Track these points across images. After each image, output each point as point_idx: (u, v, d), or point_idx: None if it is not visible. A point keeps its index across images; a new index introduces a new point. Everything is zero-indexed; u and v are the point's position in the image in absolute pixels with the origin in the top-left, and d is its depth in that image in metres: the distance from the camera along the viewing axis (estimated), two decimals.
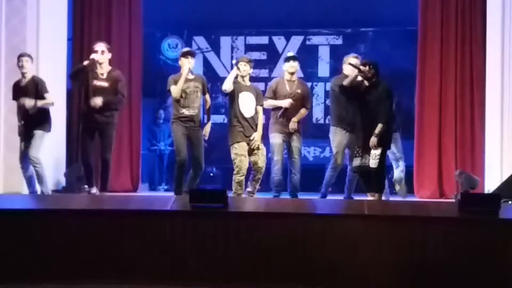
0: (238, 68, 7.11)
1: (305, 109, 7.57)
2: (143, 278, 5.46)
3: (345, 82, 6.90)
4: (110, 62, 7.31)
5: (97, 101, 6.95)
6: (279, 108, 7.41)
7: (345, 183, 7.54)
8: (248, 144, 7.08)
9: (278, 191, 7.35)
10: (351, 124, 7.15)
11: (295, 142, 7.45)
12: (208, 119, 7.41)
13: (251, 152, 7.11)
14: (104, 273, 5.49)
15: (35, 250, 5.54)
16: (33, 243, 5.56)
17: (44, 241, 5.57)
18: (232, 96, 7.12)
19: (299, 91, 7.51)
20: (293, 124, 7.40)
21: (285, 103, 7.40)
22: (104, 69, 7.15)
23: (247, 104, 7.15)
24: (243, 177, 7.00)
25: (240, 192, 7.00)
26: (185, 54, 7.23)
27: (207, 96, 7.39)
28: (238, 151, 7.01)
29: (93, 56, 7.09)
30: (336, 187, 8.06)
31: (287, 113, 7.42)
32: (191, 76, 7.23)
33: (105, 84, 7.11)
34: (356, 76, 6.83)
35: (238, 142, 7.05)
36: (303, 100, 7.55)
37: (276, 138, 7.40)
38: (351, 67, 7.11)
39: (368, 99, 6.73)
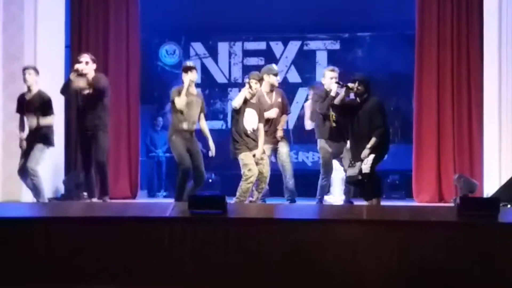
0: (250, 87, 7.14)
1: (285, 115, 7.77)
2: (142, 285, 5.45)
3: (336, 101, 6.98)
4: (100, 71, 7.50)
5: (80, 83, 7.13)
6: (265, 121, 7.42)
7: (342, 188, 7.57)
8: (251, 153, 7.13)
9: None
10: (337, 135, 7.29)
11: (284, 148, 7.57)
12: (209, 137, 7.44)
13: (256, 162, 7.13)
14: (103, 280, 5.47)
15: (34, 257, 5.53)
16: (32, 250, 5.55)
17: (43, 248, 5.55)
18: (238, 112, 7.15)
19: (279, 100, 7.64)
20: (280, 132, 7.59)
21: (273, 113, 7.51)
22: (89, 78, 7.25)
23: (250, 120, 7.18)
24: (251, 185, 7.02)
25: (243, 199, 6.99)
26: (185, 70, 7.27)
27: (203, 120, 7.44)
28: (246, 161, 7.02)
29: (76, 65, 7.21)
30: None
31: (273, 123, 7.53)
32: (194, 92, 7.29)
33: (89, 90, 7.23)
34: (345, 95, 6.89)
35: (243, 152, 7.07)
36: (284, 107, 7.71)
37: (266, 150, 7.43)
38: (332, 81, 7.23)
39: (361, 114, 6.78)
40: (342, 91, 6.95)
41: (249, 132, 7.13)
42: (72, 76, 7.16)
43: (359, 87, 6.79)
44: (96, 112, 7.19)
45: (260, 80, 7.23)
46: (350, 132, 6.95)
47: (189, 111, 7.20)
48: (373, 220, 5.52)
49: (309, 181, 10.10)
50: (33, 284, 5.46)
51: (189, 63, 7.49)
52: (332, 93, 7.18)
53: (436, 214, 5.85)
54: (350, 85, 6.82)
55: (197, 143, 7.34)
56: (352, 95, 7.01)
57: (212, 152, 7.39)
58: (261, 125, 7.26)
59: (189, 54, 11.07)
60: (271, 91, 7.60)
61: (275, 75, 7.58)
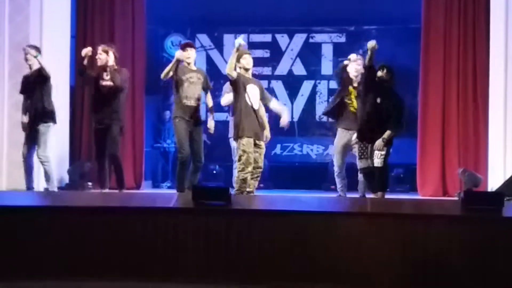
0: (238, 60, 6.89)
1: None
2: (146, 275, 5.47)
3: (365, 61, 6.88)
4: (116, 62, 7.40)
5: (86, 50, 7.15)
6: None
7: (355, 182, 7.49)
8: (254, 140, 6.86)
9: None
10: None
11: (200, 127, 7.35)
12: (212, 116, 7.36)
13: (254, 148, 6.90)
14: (107, 270, 5.49)
15: (38, 247, 5.54)
16: (36, 239, 5.56)
17: (47, 237, 5.57)
18: (239, 87, 6.86)
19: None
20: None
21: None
22: (107, 69, 7.23)
23: (254, 96, 6.92)
24: (248, 174, 6.75)
25: (243, 190, 6.76)
26: (183, 47, 7.25)
27: (209, 95, 7.35)
28: (246, 148, 6.73)
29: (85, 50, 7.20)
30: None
31: None
32: (193, 68, 7.22)
33: (109, 83, 7.21)
34: (372, 54, 6.71)
35: (247, 137, 6.77)
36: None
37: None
38: (354, 66, 7.14)
39: (380, 102, 6.70)
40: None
41: (255, 108, 6.87)
42: (85, 61, 7.16)
43: (388, 73, 6.75)
44: (114, 105, 7.20)
45: (249, 54, 7.05)
46: (366, 114, 6.76)
47: (189, 88, 7.07)
48: (378, 213, 5.52)
49: (313, 174, 10.17)
50: (36, 274, 5.48)
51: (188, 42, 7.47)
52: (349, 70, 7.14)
53: (440, 207, 5.85)
54: (379, 73, 6.76)
55: (201, 129, 7.21)
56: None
57: (211, 129, 7.25)
58: (261, 103, 7.05)
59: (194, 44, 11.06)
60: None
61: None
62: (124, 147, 8.96)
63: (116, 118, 7.20)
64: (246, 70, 6.97)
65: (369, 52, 6.75)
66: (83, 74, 7.35)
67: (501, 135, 8.11)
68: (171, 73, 7.04)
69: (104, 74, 7.21)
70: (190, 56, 7.16)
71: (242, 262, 5.46)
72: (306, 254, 5.41)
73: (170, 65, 7.07)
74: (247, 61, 6.96)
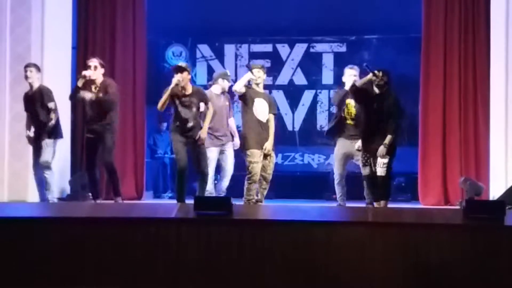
0: (252, 73, 7.11)
1: (232, 118, 7.92)
2: (147, 286, 5.45)
3: (358, 83, 6.90)
4: (106, 73, 7.39)
5: (86, 94, 7.07)
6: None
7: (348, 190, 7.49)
8: (261, 151, 7.07)
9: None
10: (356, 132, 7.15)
11: (231, 150, 7.68)
12: (205, 124, 7.17)
13: (263, 158, 7.10)
14: (107, 281, 5.48)
15: (39, 257, 5.54)
16: (37, 250, 5.56)
17: (48, 248, 5.57)
18: (247, 101, 7.11)
19: (227, 103, 7.75)
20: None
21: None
22: (97, 83, 7.18)
23: (262, 110, 7.13)
24: (254, 184, 7.01)
25: (251, 198, 7.00)
26: (174, 70, 7.12)
27: (209, 105, 7.25)
28: (252, 158, 7.00)
29: (84, 72, 7.15)
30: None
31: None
32: (189, 91, 7.08)
33: (96, 97, 7.14)
34: (369, 79, 6.80)
35: (252, 149, 7.03)
36: (230, 111, 7.87)
37: (213, 152, 7.48)
38: (351, 78, 7.14)
39: (378, 108, 6.71)
40: (367, 77, 6.84)
41: (263, 121, 7.08)
42: (80, 82, 7.10)
43: (383, 78, 6.76)
44: (105, 119, 7.12)
45: (262, 68, 7.25)
46: (365, 123, 6.82)
47: (184, 110, 7.02)
48: (380, 222, 5.51)
49: (315, 183, 10.15)
50: (36, 284, 5.47)
51: (181, 63, 7.30)
52: (346, 87, 7.12)
53: (442, 216, 5.84)
54: (377, 72, 6.77)
55: (203, 149, 7.12)
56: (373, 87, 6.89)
57: (202, 137, 7.08)
58: (272, 116, 7.22)
59: (195, 56, 11.08)
60: (222, 93, 7.71)
61: (228, 81, 7.77)
62: (125, 158, 8.97)
63: (109, 128, 7.14)
64: (257, 84, 7.18)
65: (368, 77, 6.79)
66: (76, 95, 7.25)
67: (503, 143, 8.10)
68: (167, 102, 6.99)
69: (93, 87, 7.14)
70: (184, 79, 7.02)
71: (244, 272, 5.45)
72: (308, 264, 5.40)
73: (165, 95, 6.97)
74: (257, 75, 7.12)
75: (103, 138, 7.12)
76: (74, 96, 7.30)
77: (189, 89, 7.06)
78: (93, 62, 7.21)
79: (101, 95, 7.12)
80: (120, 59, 9.09)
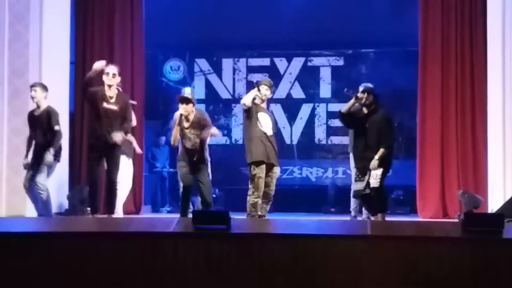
0: (259, 90, 7.05)
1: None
2: None
3: (343, 109, 6.92)
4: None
5: (118, 138, 6.75)
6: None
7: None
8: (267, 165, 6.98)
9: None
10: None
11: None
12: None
13: (266, 173, 7.00)
14: None
15: (37, 272, 5.52)
16: (35, 265, 5.54)
17: (46, 263, 5.55)
18: (251, 116, 7.02)
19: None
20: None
21: (217, 131, 7.38)
22: (112, 92, 6.88)
23: (266, 123, 7.06)
24: (258, 199, 6.91)
25: (254, 214, 6.91)
26: (179, 100, 7.03)
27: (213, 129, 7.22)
28: (258, 173, 6.91)
29: (95, 66, 6.80)
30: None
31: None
32: (189, 121, 7.05)
33: (114, 107, 6.85)
34: (353, 104, 6.83)
35: (260, 162, 6.92)
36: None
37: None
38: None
39: (368, 126, 6.74)
40: (350, 101, 6.87)
41: (269, 135, 7.01)
42: (93, 74, 6.76)
43: (368, 98, 6.76)
44: (119, 130, 6.83)
45: (271, 87, 7.16)
46: (355, 144, 6.91)
47: (185, 137, 7.04)
48: (378, 236, 5.50)
49: (313, 197, 10.16)
50: None
51: (186, 93, 7.11)
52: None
53: (440, 229, 5.82)
54: (359, 95, 6.77)
55: (206, 172, 7.11)
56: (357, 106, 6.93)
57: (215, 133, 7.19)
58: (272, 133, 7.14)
59: (193, 70, 11.13)
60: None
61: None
62: None
63: (119, 145, 6.89)
64: (263, 100, 7.11)
65: (351, 102, 6.79)
66: (87, 89, 6.86)
67: (501, 156, 8.12)
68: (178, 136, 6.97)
69: (109, 96, 6.83)
70: (187, 110, 7.00)
71: (242, 286, 5.43)
72: (307, 278, 5.39)
73: (175, 130, 6.98)
74: (264, 92, 7.05)
75: (112, 153, 6.88)
76: (86, 87, 6.84)
77: (191, 118, 7.03)
78: (112, 69, 6.86)
79: (116, 108, 6.83)
80: (119, 74, 9.10)
